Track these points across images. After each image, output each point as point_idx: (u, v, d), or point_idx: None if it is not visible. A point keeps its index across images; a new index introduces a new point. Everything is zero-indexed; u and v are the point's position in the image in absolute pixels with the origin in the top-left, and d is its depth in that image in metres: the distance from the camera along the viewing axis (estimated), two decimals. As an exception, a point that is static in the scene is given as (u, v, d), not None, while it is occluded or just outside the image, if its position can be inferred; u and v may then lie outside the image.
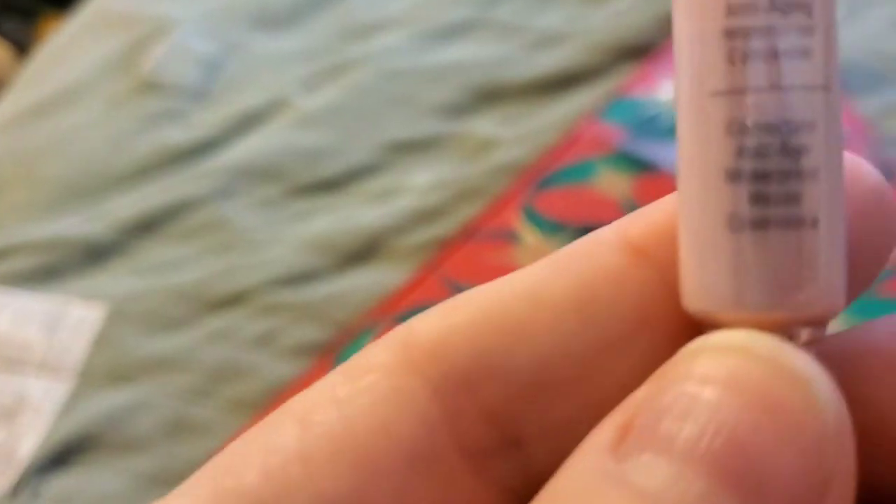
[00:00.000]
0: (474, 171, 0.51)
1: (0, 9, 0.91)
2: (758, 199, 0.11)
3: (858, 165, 0.12)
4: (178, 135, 0.54)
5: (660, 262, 0.12)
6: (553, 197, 0.45)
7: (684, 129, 0.11)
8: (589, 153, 0.47)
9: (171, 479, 0.42)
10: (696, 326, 0.12)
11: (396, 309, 0.42)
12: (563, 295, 0.12)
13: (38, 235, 0.49)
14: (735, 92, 0.11)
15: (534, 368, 0.12)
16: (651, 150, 0.46)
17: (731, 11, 0.11)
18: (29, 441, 0.42)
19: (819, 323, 0.11)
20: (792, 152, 0.11)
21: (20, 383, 0.44)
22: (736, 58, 0.11)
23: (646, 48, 0.54)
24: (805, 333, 0.11)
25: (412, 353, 0.12)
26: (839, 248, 0.11)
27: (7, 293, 0.47)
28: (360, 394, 0.12)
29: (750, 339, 0.11)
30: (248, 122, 0.55)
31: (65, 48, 0.60)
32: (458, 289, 0.42)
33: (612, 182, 0.45)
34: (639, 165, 0.46)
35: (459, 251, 0.44)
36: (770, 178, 0.11)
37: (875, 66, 0.51)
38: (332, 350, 0.43)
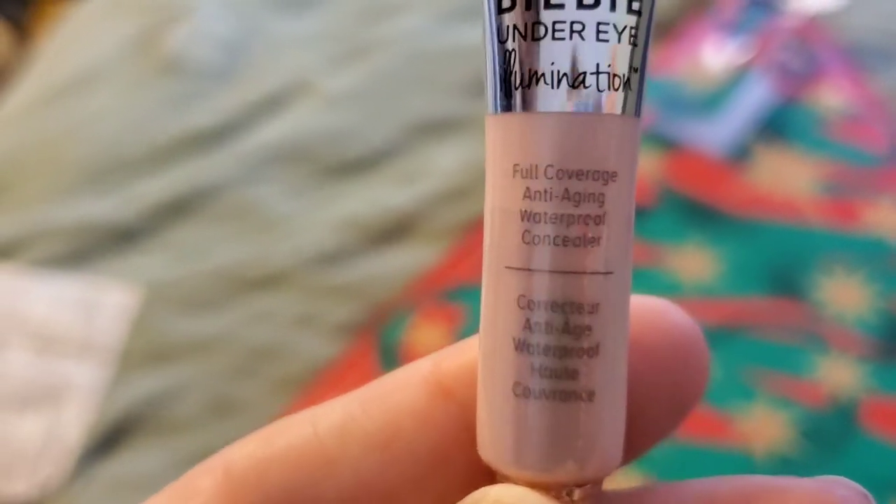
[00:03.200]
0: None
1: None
2: (539, 370, 0.12)
3: (668, 313, 0.13)
4: (202, 117, 0.54)
5: (464, 403, 0.13)
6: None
7: (484, 294, 0.12)
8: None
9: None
10: (491, 469, 0.12)
11: (437, 286, 0.43)
12: (368, 431, 0.13)
13: (68, 219, 0.50)
14: (526, 270, 0.12)
15: (339, 501, 0.13)
16: (678, 128, 0.47)
17: (527, 195, 0.11)
18: (76, 426, 0.42)
19: (593, 483, 0.12)
20: (573, 330, 0.11)
21: (61, 366, 0.44)
22: (528, 239, 0.11)
23: (665, 27, 0.54)
24: (578, 492, 0.12)
25: (231, 481, 0.13)
26: (616, 417, 0.12)
27: (41, 278, 0.47)
28: None
29: (521, 496, 0.12)
30: (272, 105, 0.55)
31: (81, 31, 0.60)
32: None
33: (640, 161, 0.46)
34: (666, 144, 0.47)
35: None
36: (551, 351, 0.12)
37: (888, 46, 0.52)
38: (371, 329, 0.44)
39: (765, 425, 0.38)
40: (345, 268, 0.47)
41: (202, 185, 0.51)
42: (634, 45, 0.11)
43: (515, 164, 0.11)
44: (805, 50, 0.50)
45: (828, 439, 0.38)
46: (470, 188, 0.50)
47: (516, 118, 0.12)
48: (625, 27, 0.11)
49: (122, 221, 0.49)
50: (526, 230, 0.11)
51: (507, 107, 0.12)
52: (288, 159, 0.52)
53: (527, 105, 0.11)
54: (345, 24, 0.58)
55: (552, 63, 0.11)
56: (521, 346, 0.12)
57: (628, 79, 0.11)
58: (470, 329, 0.41)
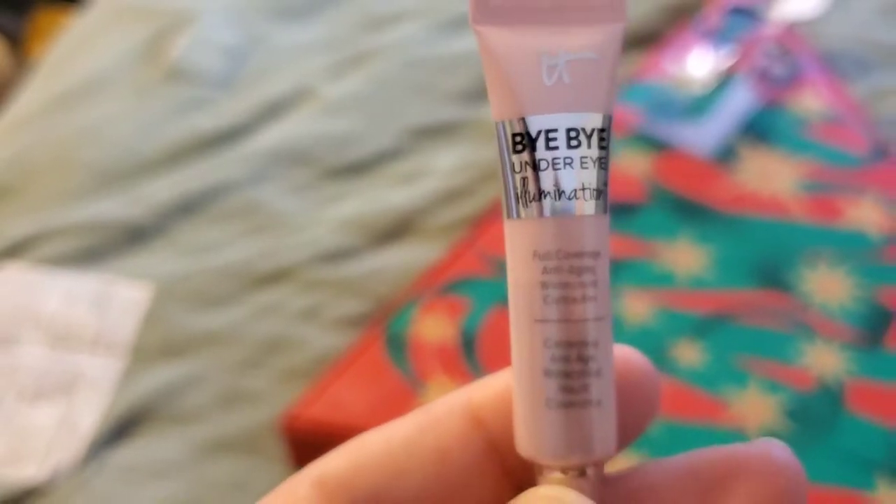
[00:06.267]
0: (495, 154, 0.54)
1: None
2: (563, 389, 0.17)
3: (632, 355, 0.18)
4: (206, 122, 0.56)
5: (493, 427, 0.18)
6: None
7: (517, 340, 0.17)
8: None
9: (228, 446, 0.44)
10: (512, 473, 0.18)
11: (438, 281, 0.45)
12: (427, 449, 0.17)
13: (78, 218, 0.51)
14: (547, 321, 0.17)
15: (409, 501, 0.17)
16: (666, 130, 0.50)
17: (545, 271, 0.17)
18: (89, 415, 0.44)
19: (600, 464, 0.17)
20: (583, 359, 0.17)
21: (75, 360, 0.45)
22: (547, 300, 0.17)
23: (651, 36, 0.57)
24: (591, 470, 0.17)
25: (325, 487, 0.17)
26: (613, 417, 0.17)
27: (55, 274, 0.48)
28: None
29: (561, 493, 0.16)
30: (274, 110, 0.57)
31: (86, 39, 0.62)
32: (494, 262, 0.45)
33: (632, 161, 0.49)
34: (656, 145, 0.49)
35: (493, 227, 0.47)
36: (570, 375, 0.17)
37: (863, 54, 0.55)
38: (377, 321, 0.45)
39: (757, 407, 0.40)
40: (348, 264, 0.49)
41: (209, 186, 0.52)
42: (603, 168, 0.17)
43: (534, 252, 0.17)
44: (786, 57, 0.53)
45: (816, 420, 0.40)
46: (467, 188, 0.52)
47: (532, 223, 0.17)
48: (597, 158, 0.17)
49: (133, 221, 0.51)
50: (544, 295, 0.17)
51: (524, 215, 0.17)
52: (291, 161, 0.54)
53: (539, 213, 0.17)
54: (344, 32, 0.60)
55: (553, 184, 0.17)
56: (549, 374, 0.17)
57: (601, 191, 0.17)
58: (472, 318, 0.43)
